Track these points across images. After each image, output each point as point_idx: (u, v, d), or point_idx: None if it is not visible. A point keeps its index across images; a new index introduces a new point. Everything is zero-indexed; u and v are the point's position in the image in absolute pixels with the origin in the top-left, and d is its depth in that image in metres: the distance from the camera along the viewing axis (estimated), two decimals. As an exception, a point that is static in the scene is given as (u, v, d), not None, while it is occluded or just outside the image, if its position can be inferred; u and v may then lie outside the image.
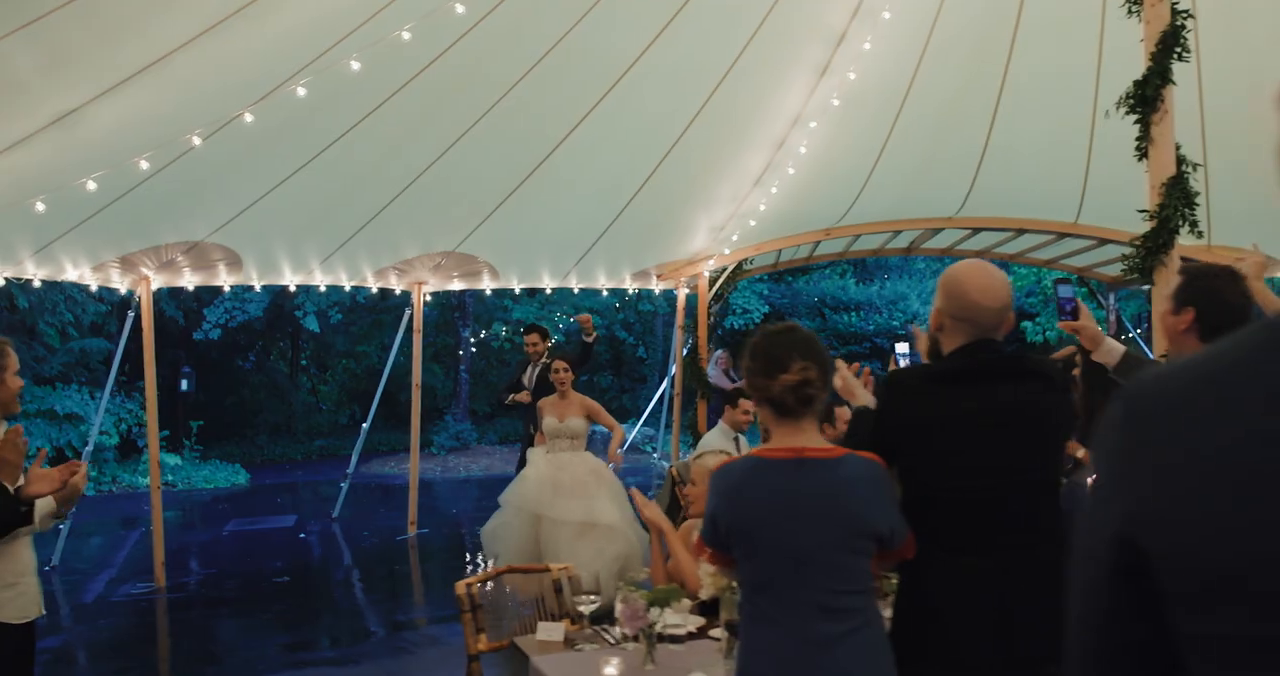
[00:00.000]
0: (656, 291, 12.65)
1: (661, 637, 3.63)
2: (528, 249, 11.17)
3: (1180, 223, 5.93)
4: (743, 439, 7.99)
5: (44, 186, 6.92)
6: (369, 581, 9.61)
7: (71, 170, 6.84)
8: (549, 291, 12.27)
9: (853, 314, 20.91)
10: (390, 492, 15.08)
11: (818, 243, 12.04)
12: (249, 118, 7.21)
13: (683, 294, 12.34)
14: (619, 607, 3.44)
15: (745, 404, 7.89)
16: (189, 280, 9.65)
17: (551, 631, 3.86)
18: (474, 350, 21.21)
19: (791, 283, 21.57)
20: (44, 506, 4.05)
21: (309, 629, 8.11)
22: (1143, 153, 6.02)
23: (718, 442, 7.97)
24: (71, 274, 8.77)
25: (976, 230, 12.00)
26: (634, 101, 8.88)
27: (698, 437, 11.79)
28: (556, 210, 10.33)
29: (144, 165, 6.92)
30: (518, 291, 12.10)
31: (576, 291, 12.56)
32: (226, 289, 10.52)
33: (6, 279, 8.64)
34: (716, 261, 11.53)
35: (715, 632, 3.79)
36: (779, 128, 9.66)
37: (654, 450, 15.44)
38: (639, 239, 11.18)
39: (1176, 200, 5.88)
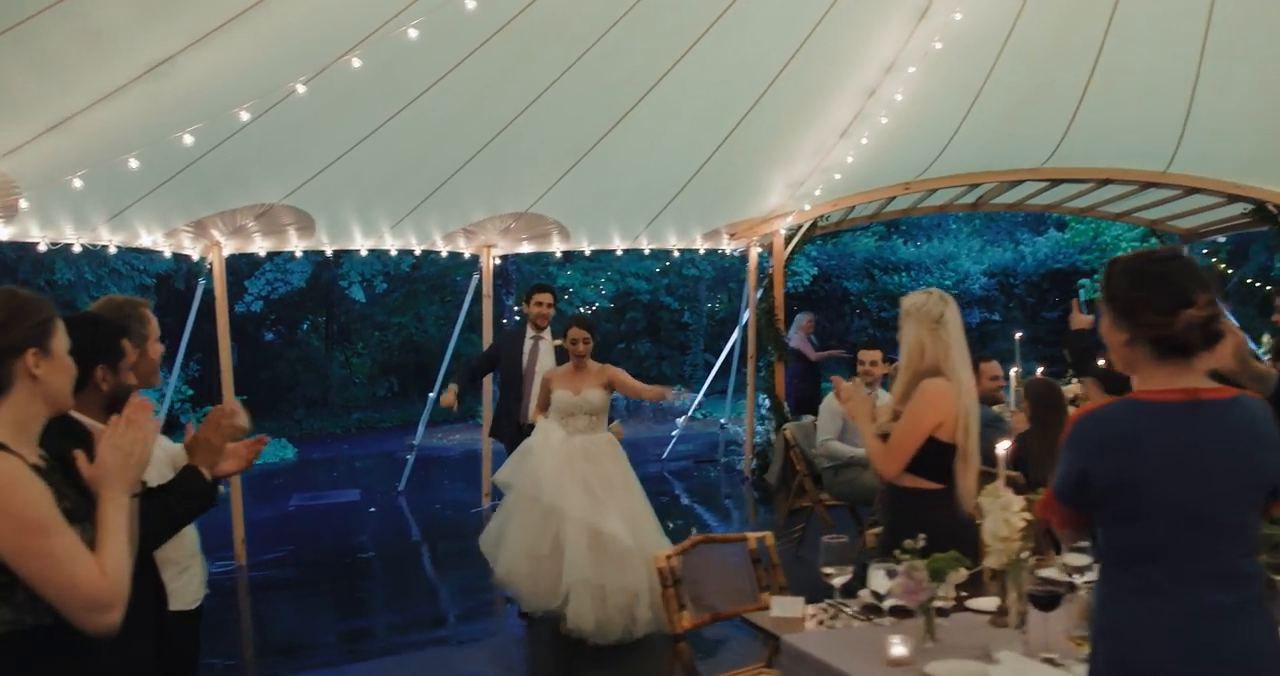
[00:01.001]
0: (727, 251, 12.24)
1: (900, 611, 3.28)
2: (599, 210, 10.77)
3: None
4: (879, 390, 7.64)
5: (132, 144, 6.51)
6: (460, 556, 9.24)
7: (160, 126, 6.43)
8: (588, 254, 11.84)
9: (903, 274, 20.47)
10: (446, 464, 14.73)
11: (890, 199, 11.64)
12: (301, 89, 6.80)
13: (754, 253, 11.93)
14: (898, 580, 3.06)
15: (862, 355, 7.67)
16: (259, 245, 9.27)
17: (790, 606, 3.50)
18: (517, 319, 20.79)
19: (837, 243, 21.10)
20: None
21: (413, 607, 7.79)
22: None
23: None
24: (145, 240, 8.40)
25: (1056, 182, 11.60)
26: (721, 54, 8.44)
27: (775, 403, 11.42)
28: (632, 169, 9.92)
29: (244, 116, 6.50)
30: (588, 252, 11.67)
31: (620, 254, 12.13)
32: (299, 254, 10.11)
33: (52, 245, 8.22)
34: (795, 218, 11.10)
35: (976, 604, 3.42)
36: (871, 75, 9.22)
37: (720, 419, 15.03)
38: (712, 198, 10.77)
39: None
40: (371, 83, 7.01)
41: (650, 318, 22.12)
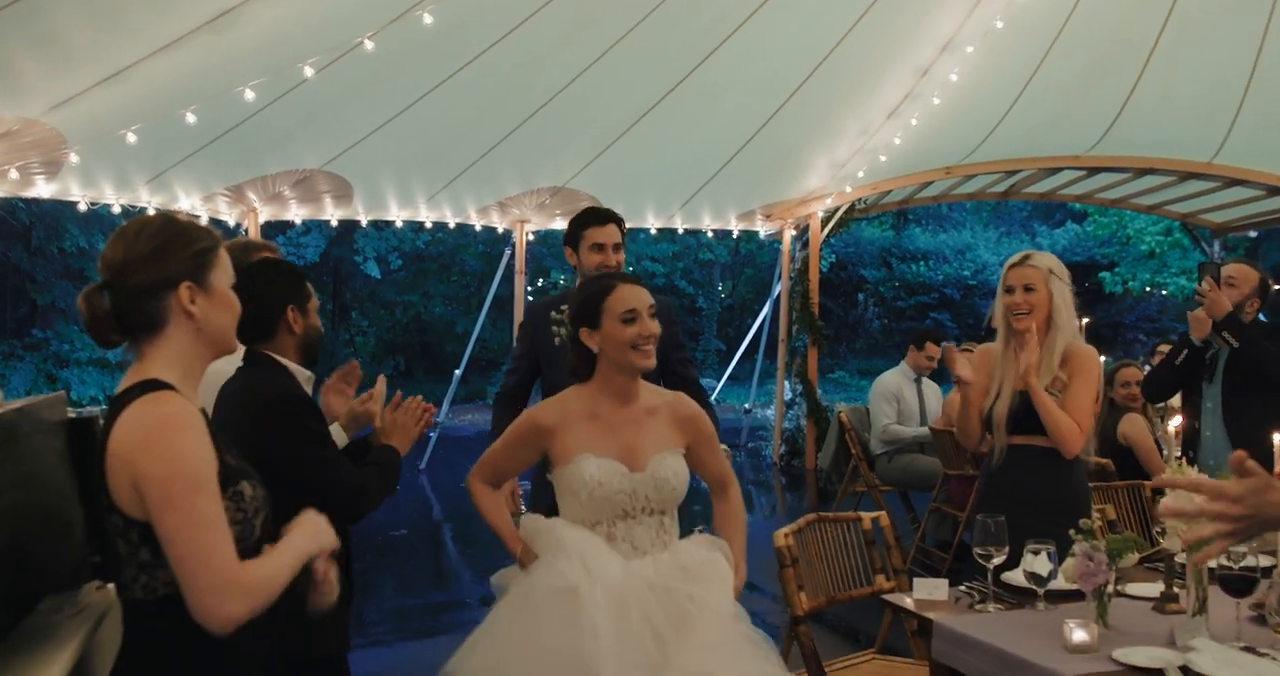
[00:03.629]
0: (761, 234, 12.06)
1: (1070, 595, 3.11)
2: (635, 188, 10.57)
3: None
4: (926, 381, 7.48)
5: (189, 98, 6.29)
6: (489, 534, 9.08)
7: (220, 81, 6.21)
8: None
9: (920, 263, 20.33)
10: (462, 442, 14.53)
11: (926, 184, 11.48)
12: (369, 45, 6.59)
13: (788, 236, 11.74)
14: (1076, 561, 2.88)
15: (932, 349, 7.41)
16: (295, 213, 9.09)
17: (933, 588, 3.31)
18: (530, 299, 20.62)
19: (852, 231, 20.96)
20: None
21: (454, 586, 7.63)
22: None
23: (896, 384, 7.51)
24: (184, 203, 8.22)
25: (1095, 171, 11.44)
26: (773, 30, 8.28)
27: (808, 387, 11.26)
28: (672, 148, 9.77)
29: (308, 72, 6.28)
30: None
31: (639, 237, 11.97)
32: (334, 223, 9.89)
33: (91, 205, 8.01)
34: (834, 200, 10.92)
35: (1134, 589, 3.25)
36: (927, 53, 9.03)
37: (744, 404, 14.86)
38: (751, 178, 10.61)
39: None
40: (434, 43, 6.81)
41: (661, 301, 21.92)
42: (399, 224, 10.10)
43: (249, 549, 2.09)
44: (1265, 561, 2.99)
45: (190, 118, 6.40)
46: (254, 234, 8.67)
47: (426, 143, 8.68)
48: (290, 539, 2.15)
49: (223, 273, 2.17)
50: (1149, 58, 9.12)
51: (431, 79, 7.72)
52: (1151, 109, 9.70)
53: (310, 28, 6.19)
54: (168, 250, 2.09)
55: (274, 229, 14.76)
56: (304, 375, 3.00)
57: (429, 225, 10.36)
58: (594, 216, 4.35)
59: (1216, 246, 13.75)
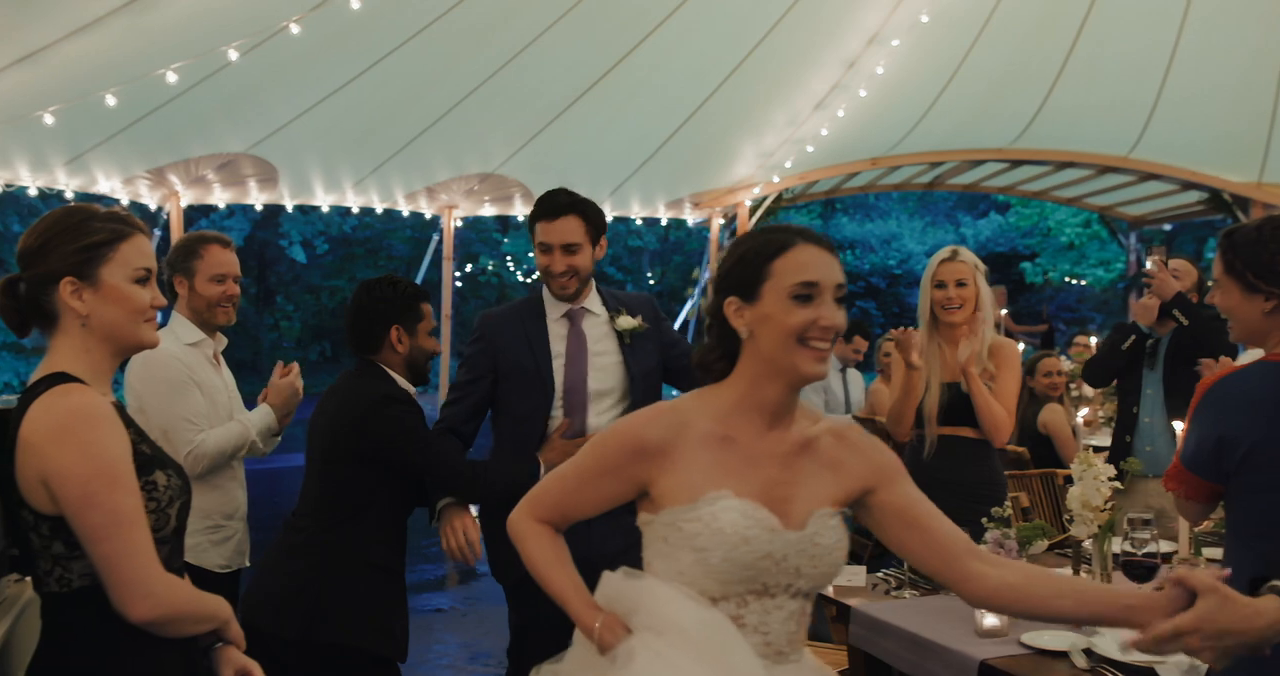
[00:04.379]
0: (690, 223, 12.10)
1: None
2: (565, 175, 10.45)
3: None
4: (850, 371, 7.59)
5: (109, 79, 6.17)
6: (419, 522, 9.04)
7: (141, 62, 6.10)
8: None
9: (847, 252, 20.59)
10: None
11: (852, 174, 11.64)
12: (294, 29, 6.51)
13: (716, 224, 11.81)
14: (989, 548, 2.97)
15: (859, 342, 7.55)
16: (219, 197, 8.94)
17: (852, 576, 3.40)
18: (459, 285, 20.53)
19: (779, 220, 21.17)
20: (262, 421, 3.47)
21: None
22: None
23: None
24: (104, 186, 8.04)
25: (1017, 164, 11.67)
26: (702, 20, 8.29)
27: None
28: (602, 135, 9.74)
29: (232, 55, 6.19)
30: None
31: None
32: (259, 208, 9.75)
33: (7, 187, 7.82)
34: (763, 189, 11.02)
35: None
36: (854, 46, 9.13)
37: (672, 393, 14.87)
38: (680, 166, 10.62)
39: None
40: (362, 27, 6.75)
41: (588, 289, 21.94)
42: (325, 209, 9.99)
43: (166, 537, 2.09)
44: (1166, 547, 3.12)
45: (110, 100, 6.28)
46: (176, 218, 8.53)
47: (354, 127, 8.59)
48: (217, 598, 2.17)
49: (121, 267, 2.09)
50: (1069, 53, 9.32)
51: (359, 63, 7.64)
52: (1072, 104, 9.92)
53: (234, 10, 6.10)
54: (52, 244, 2.06)
55: (197, 212, 14.52)
56: (409, 390, 3.24)
57: (356, 210, 10.26)
58: (543, 207, 3.50)
59: (1133, 239, 14.11)
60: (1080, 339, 10.54)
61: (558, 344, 3.48)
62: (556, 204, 3.45)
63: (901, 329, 3.90)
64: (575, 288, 3.46)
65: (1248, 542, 2.33)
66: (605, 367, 3.49)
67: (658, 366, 3.58)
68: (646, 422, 2.01)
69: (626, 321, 3.50)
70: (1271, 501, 2.27)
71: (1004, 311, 13.28)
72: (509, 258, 19.77)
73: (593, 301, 3.56)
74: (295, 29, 6.27)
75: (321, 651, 3.05)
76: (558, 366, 3.46)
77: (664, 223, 12.42)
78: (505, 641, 5.75)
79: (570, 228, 3.41)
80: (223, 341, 3.63)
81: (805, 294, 1.91)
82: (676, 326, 13.21)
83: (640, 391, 3.49)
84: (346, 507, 3.13)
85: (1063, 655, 2.68)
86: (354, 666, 3.07)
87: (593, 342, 3.51)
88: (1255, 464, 2.26)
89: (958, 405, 3.92)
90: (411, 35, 7.47)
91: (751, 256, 1.97)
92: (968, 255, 4.00)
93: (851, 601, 3.20)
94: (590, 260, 3.46)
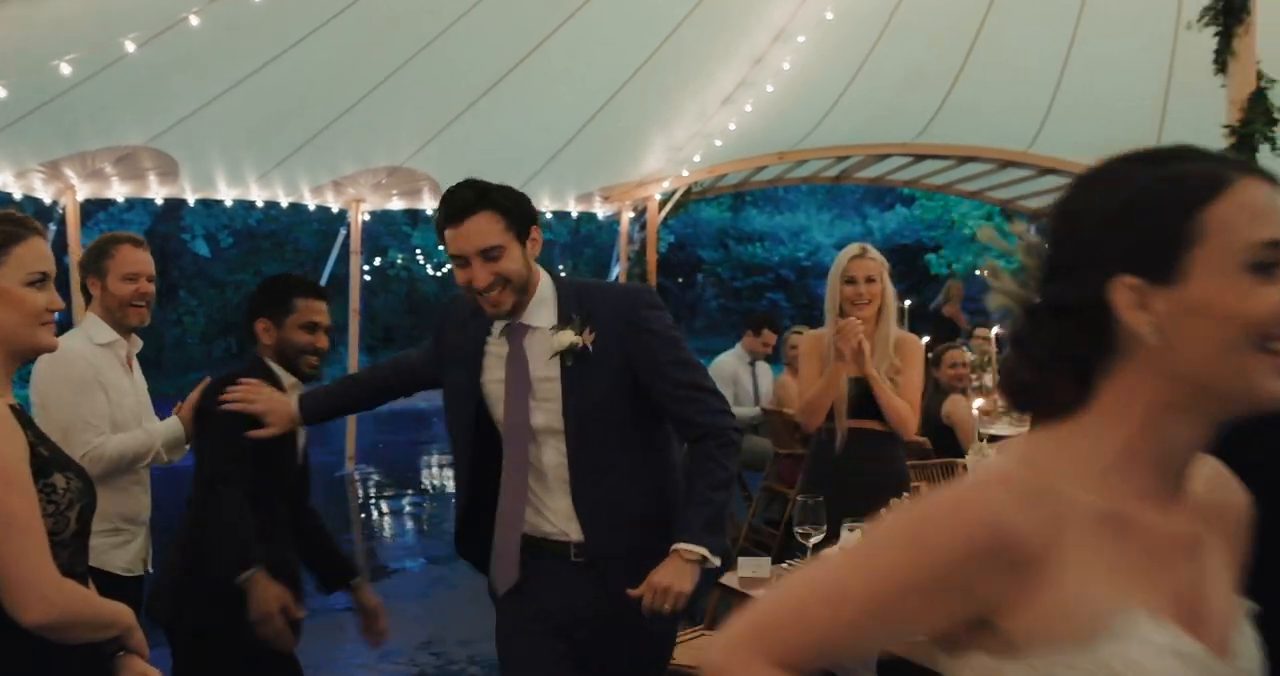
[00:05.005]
0: (600, 216, 12.14)
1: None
2: (474, 168, 10.26)
3: (1261, 140, 5.76)
4: (759, 363, 7.70)
5: (5, 69, 5.99)
6: (336, 521, 8.97)
7: (38, 53, 5.94)
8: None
9: (757, 245, 20.81)
10: (296, 427, 14.25)
11: (761, 168, 11.77)
12: (194, 21, 6.40)
13: (626, 218, 11.85)
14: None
15: (768, 336, 7.66)
16: (117, 191, 8.76)
17: (757, 566, 3.46)
18: (368, 279, 20.27)
19: (690, 212, 21.31)
20: (169, 433, 3.43)
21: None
22: (1222, 65, 5.81)
23: (733, 368, 7.71)
24: (-5, 179, 7.79)
25: (921, 158, 11.90)
26: (611, 14, 8.32)
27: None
28: (511, 127, 9.72)
29: (129, 47, 6.04)
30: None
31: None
32: (159, 202, 9.55)
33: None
34: (672, 183, 11.09)
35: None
36: (761, 42, 9.24)
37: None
38: (590, 160, 10.65)
39: (1259, 116, 5.71)
40: (265, 19, 6.64)
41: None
42: (229, 203, 9.83)
43: (65, 541, 2.07)
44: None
45: (0, 91, 6.10)
46: (72, 212, 8.32)
47: (258, 120, 8.46)
48: (117, 605, 2.14)
49: (15, 271, 2.06)
50: (970, 51, 9.52)
51: (263, 55, 7.51)
52: (972, 100, 10.13)
53: (130, 1, 5.97)
54: None
55: (95, 206, 14.18)
56: (289, 381, 3.23)
57: (261, 204, 10.10)
58: (447, 209, 2.78)
59: (1032, 231, 14.43)
60: (980, 332, 10.75)
61: (494, 366, 2.84)
62: (462, 202, 2.73)
63: (853, 319, 3.93)
64: (512, 300, 2.71)
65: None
66: (551, 398, 2.78)
67: (626, 395, 2.76)
68: (1008, 505, 1.13)
69: (563, 337, 2.73)
70: None
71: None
72: (419, 251, 19.59)
73: (540, 311, 2.79)
74: (195, 21, 6.14)
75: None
76: (495, 392, 2.83)
77: (574, 216, 12.43)
78: (416, 639, 5.79)
79: (484, 228, 2.69)
80: (137, 344, 3.60)
81: (1270, 261, 1.13)
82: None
83: (592, 432, 2.75)
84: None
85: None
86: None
87: (536, 366, 2.78)
88: None
89: (866, 399, 4.03)
90: (317, 26, 7.38)
91: (1159, 205, 1.17)
92: (875, 253, 4.11)
93: (756, 592, 3.26)
94: (523, 261, 2.73)
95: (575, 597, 2.69)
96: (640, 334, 2.74)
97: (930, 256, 19.13)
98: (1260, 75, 5.79)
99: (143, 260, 3.50)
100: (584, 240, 20.63)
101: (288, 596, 2.99)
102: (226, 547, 2.97)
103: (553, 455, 2.78)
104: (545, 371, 2.77)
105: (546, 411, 2.77)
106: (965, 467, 3.36)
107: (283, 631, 2.97)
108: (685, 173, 10.92)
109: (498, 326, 2.82)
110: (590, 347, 2.70)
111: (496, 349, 2.83)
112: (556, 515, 2.78)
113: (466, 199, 2.72)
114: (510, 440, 2.81)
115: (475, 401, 2.85)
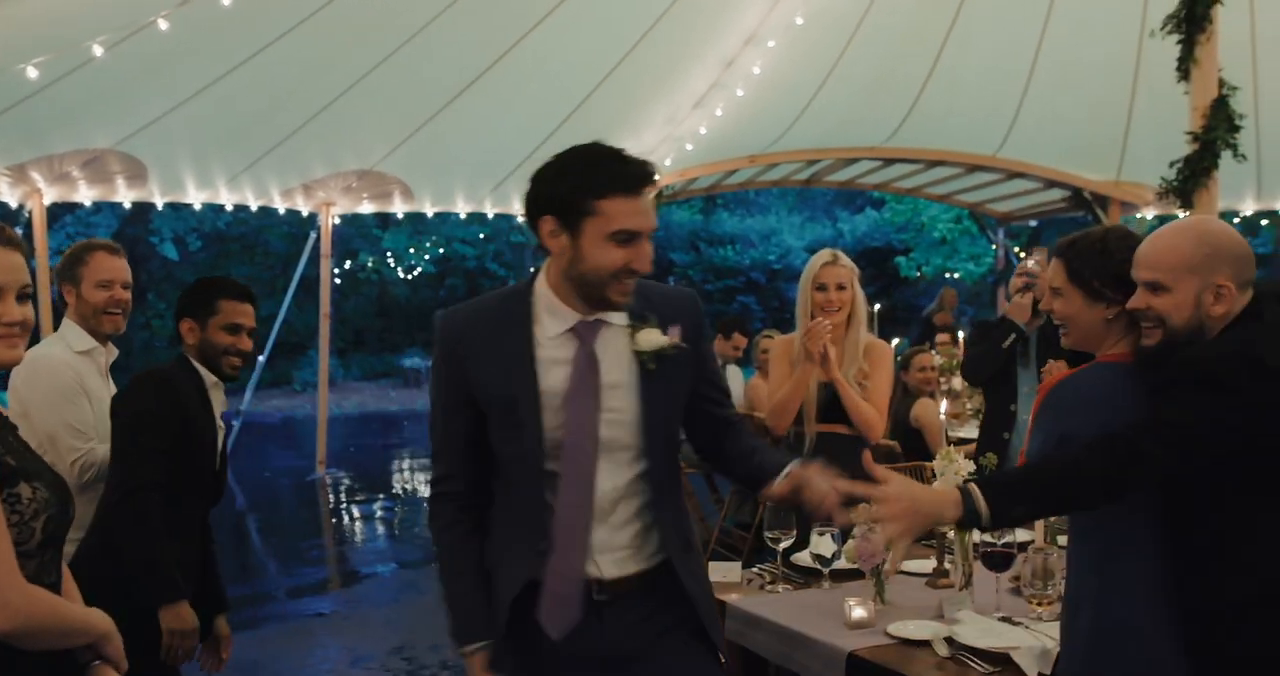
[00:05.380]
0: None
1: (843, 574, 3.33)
2: (445, 172, 10.52)
3: (1223, 146, 5.85)
4: (729, 366, 7.72)
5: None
6: (308, 525, 8.95)
7: (3, 56, 5.89)
8: (430, 215, 11.69)
9: (728, 247, 20.86)
10: (268, 430, 14.19)
11: (732, 171, 11.82)
12: (163, 24, 6.38)
13: (598, 221, 11.85)
14: (856, 543, 3.09)
15: (739, 339, 7.68)
16: (85, 194, 8.70)
17: (727, 571, 3.48)
18: (338, 281, 20.18)
19: (664, 215, 21.36)
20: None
21: (259, 578, 7.48)
22: (1184, 73, 5.90)
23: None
24: (-40, 183, 7.73)
25: (890, 162, 11.98)
26: (582, 18, 8.34)
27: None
28: (482, 132, 9.73)
29: (97, 50, 6.00)
30: (430, 214, 11.40)
31: (450, 219, 11.96)
32: (127, 205, 9.49)
33: None
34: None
35: (911, 566, 3.48)
36: (731, 46, 9.27)
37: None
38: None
39: (1221, 122, 5.80)
40: (234, 22, 6.62)
41: (472, 284, 21.78)
42: (198, 206, 9.79)
43: (30, 551, 2.06)
44: (1024, 537, 3.27)
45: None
46: (39, 215, 8.26)
47: (227, 123, 8.43)
48: (91, 611, 2.13)
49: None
50: (938, 56, 9.61)
51: (233, 58, 7.49)
52: (941, 104, 10.21)
53: (98, 5, 5.93)
54: None
55: (62, 209, 14.06)
56: (210, 380, 3.30)
57: (230, 207, 10.07)
58: (624, 174, 2.31)
59: (1001, 234, 14.60)
60: (942, 337, 10.83)
61: (554, 371, 2.33)
62: (643, 172, 2.33)
63: (826, 322, 3.92)
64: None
65: (1083, 534, 2.46)
66: (620, 408, 2.35)
67: (683, 404, 2.46)
68: None
69: (650, 336, 2.34)
70: None
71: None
72: (389, 254, 19.52)
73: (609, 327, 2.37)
74: (164, 24, 6.12)
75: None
76: (551, 403, 2.32)
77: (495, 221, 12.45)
78: (388, 643, 5.79)
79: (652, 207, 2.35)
80: (113, 352, 3.59)
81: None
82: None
83: (659, 444, 2.39)
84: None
85: (925, 644, 2.80)
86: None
87: (606, 370, 2.35)
88: None
89: (835, 403, 4.05)
90: (287, 30, 7.36)
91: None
92: (846, 260, 4.14)
93: (727, 597, 3.28)
94: None
95: (627, 643, 2.32)
96: (701, 338, 2.49)
97: (900, 259, 19.23)
98: (1222, 83, 5.89)
99: (117, 267, 3.49)
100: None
101: (196, 623, 3.11)
102: (151, 579, 3.04)
103: (621, 477, 2.35)
104: (614, 376, 2.34)
105: (611, 422, 2.33)
106: (934, 471, 3.38)
107: (190, 652, 3.12)
108: (656, 176, 10.91)
109: (556, 325, 2.34)
110: (674, 353, 2.34)
111: (551, 353, 2.34)
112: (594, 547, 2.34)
113: (647, 169, 2.32)
114: (571, 457, 2.32)
115: (533, 410, 2.32)
